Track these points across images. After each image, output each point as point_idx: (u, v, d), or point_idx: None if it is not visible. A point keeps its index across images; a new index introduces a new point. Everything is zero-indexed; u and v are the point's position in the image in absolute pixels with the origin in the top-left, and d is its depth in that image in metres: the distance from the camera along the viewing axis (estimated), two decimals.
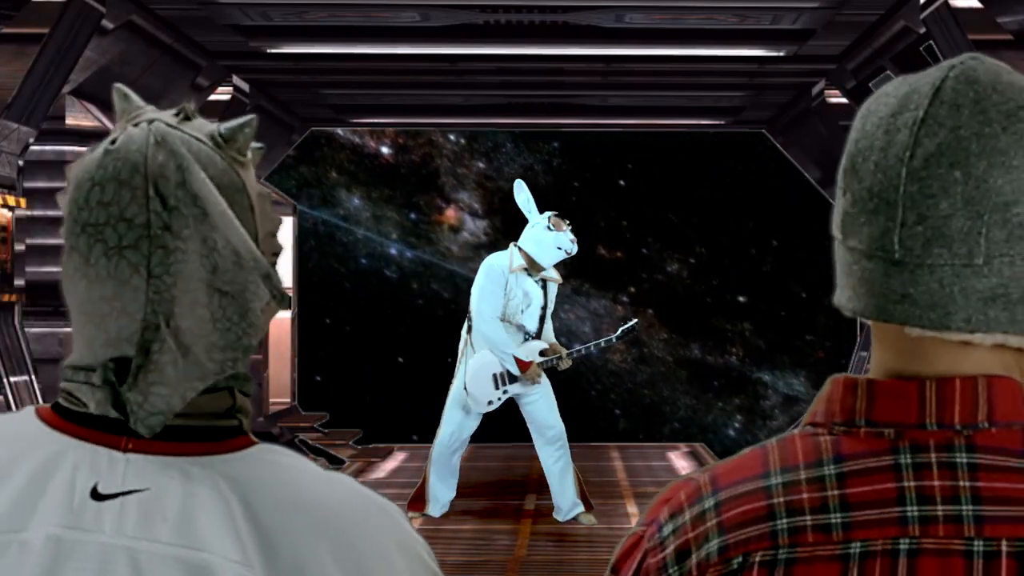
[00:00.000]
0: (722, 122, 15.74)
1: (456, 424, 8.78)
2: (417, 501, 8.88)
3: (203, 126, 1.23)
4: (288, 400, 15.17)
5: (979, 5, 8.79)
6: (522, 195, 8.87)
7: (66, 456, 1.17)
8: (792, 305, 21.44)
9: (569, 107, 14.88)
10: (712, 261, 21.85)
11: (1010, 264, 1.09)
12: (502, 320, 8.64)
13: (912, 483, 1.09)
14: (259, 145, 1.27)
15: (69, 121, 10.11)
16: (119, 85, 1.25)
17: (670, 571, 1.15)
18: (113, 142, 1.19)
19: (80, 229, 1.17)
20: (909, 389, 1.11)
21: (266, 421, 13.72)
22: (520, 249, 8.69)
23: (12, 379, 8.80)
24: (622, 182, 22.21)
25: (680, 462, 12.39)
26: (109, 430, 1.17)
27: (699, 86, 13.43)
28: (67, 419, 1.19)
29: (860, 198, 1.13)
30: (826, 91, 12.88)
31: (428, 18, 10.42)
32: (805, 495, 1.11)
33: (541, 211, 8.82)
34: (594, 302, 22.63)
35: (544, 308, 8.78)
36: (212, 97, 12.42)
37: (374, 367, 21.31)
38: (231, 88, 12.83)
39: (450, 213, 22.10)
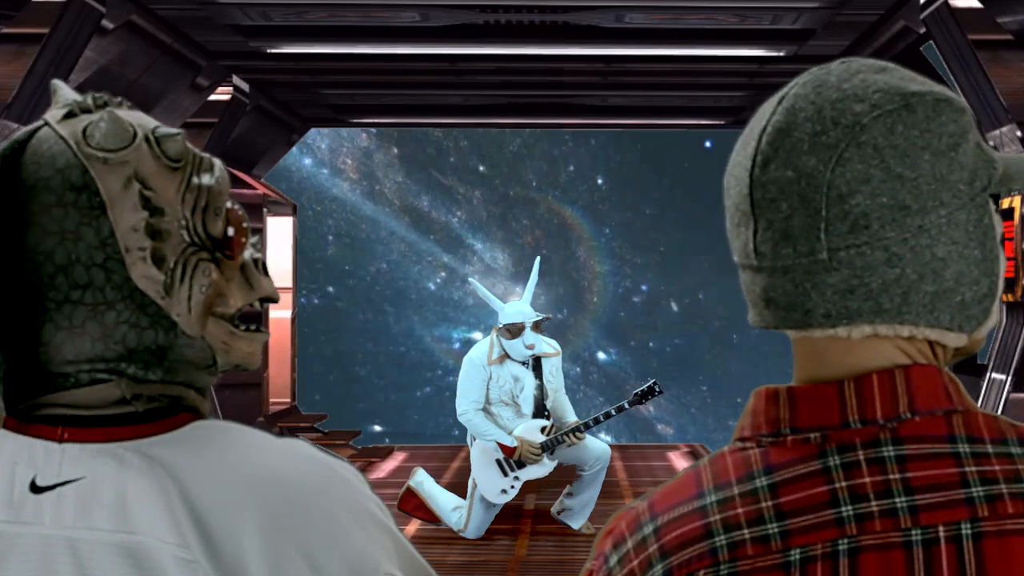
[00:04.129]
0: (722, 122, 15.74)
1: (481, 519, 8.50)
2: (420, 510, 8.69)
3: (81, 122, 1.24)
4: (288, 400, 15.16)
5: (979, 5, 8.79)
6: (480, 293, 8.75)
7: (3, 451, 1.19)
8: None
9: (569, 107, 14.88)
10: None
11: (860, 254, 1.09)
12: (502, 404, 8.51)
13: (844, 483, 1.09)
14: (175, 131, 1.27)
15: None
16: (56, 80, 1.27)
17: None
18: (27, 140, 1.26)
19: None
20: (828, 391, 1.12)
21: (266, 421, 13.72)
22: (499, 337, 8.56)
23: None
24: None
25: (680, 462, 12.39)
26: (45, 421, 1.19)
27: (699, 86, 13.43)
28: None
29: (731, 215, 1.16)
30: None
31: (428, 18, 10.42)
32: (740, 510, 1.11)
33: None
34: None
35: (540, 387, 8.56)
36: (212, 97, 12.41)
37: (374, 366, 21.24)
38: (231, 88, 12.83)
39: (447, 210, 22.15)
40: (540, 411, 8.56)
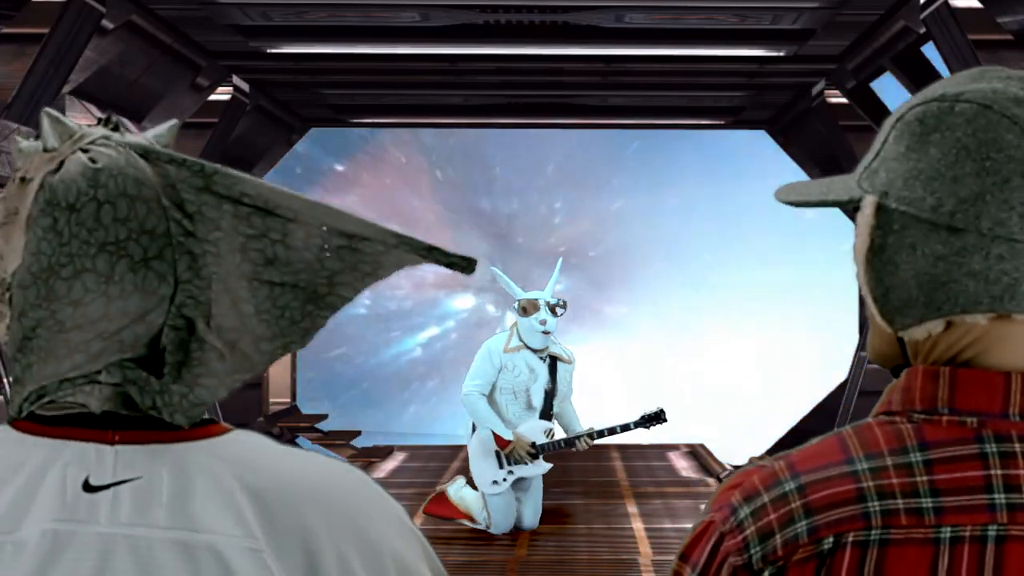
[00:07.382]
0: (722, 122, 15.74)
1: (501, 512, 8.53)
2: (443, 505, 8.74)
3: (136, 136, 1.26)
4: (288, 400, 15.17)
5: (979, 5, 8.79)
6: (500, 280, 8.85)
7: (56, 457, 1.18)
8: None
9: (569, 107, 14.88)
10: None
11: None
12: (512, 395, 8.51)
13: (999, 471, 1.13)
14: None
15: None
16: (48, 109, 1.24)
17: (751, 551, 1.17)
18: (94, 161, 1.19)
19: (97, 249, 1.17)
20: (995, 380, 1.16)
21: (266, 421, 13.72)
22: (516, 321, 8.66)
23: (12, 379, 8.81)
24: None
25: (680, 462, 12.40)
26: (94, 426, 1.18)
27: (699, 86, 13.43)
28: (48, 424, 1.20)
29: None
30: (826, 91, 12.87)
31: (428, 18, 10.43)
32: (895, 480, 1.14)
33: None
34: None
35: (552, 388, 8.58)
36: (212, 97, 12.42)
37: (370, 379, 21.26)
38: (231, 88, 12.84)
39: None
40: (548, 409, 8.58)
